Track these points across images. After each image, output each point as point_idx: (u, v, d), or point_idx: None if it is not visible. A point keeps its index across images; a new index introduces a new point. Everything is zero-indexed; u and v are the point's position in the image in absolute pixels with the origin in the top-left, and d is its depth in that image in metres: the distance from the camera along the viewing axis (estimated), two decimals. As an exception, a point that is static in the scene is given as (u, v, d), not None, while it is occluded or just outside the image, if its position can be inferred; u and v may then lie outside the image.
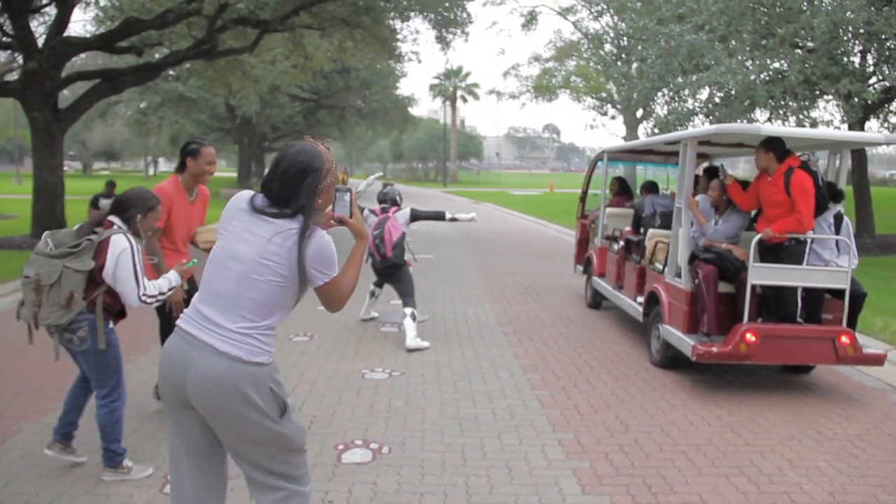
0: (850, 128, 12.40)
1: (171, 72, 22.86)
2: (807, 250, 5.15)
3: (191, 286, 4.31)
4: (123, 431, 3.51)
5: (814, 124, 12.51)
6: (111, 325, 3.43)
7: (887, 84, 12.61)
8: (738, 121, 12.20)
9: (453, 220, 6.89)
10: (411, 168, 73.23)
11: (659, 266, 6.10)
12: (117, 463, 3.45)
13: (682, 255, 5.48)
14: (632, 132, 28.61)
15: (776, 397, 5.10)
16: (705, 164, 7.69)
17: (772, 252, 5.15)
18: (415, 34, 35.04)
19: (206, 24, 13.39)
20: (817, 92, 12.38)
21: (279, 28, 14.61)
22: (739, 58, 12.27)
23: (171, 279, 3.50)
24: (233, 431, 2.17)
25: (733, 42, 13.08)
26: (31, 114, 12.30)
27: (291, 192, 2.18)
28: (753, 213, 5.72)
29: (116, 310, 3.44)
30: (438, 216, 6.85)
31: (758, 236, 5.09)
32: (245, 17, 13.65)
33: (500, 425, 4.35)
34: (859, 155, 14.17)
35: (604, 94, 31.18)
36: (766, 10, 12.47)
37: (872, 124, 14.78)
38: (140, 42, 14.10)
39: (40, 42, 13.30)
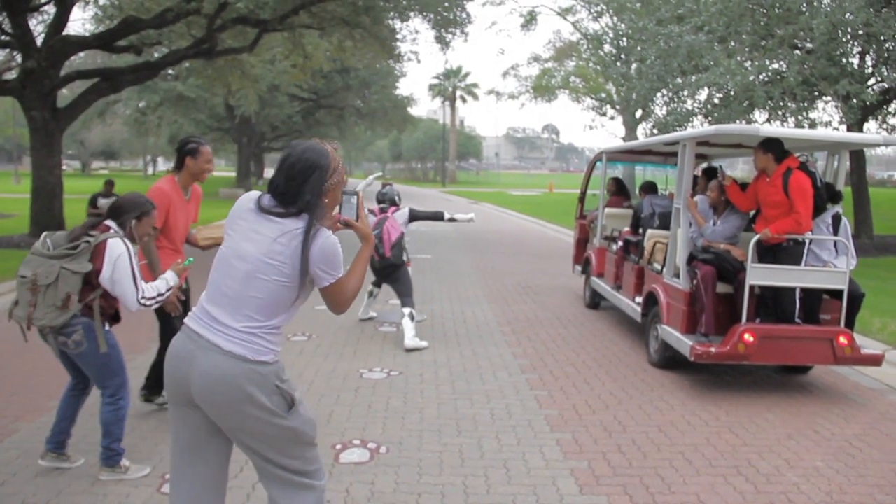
0: (849, 129, 12.42)
1: (170, 71, 22.87)
2: (805, 251, 5.15)
3: (186, 288, 4.30)
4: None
5: (812, 125, 12.53)
6: (107, 327, 3.42)
7: (886, 85, 12.64)
8: (737, 121, 12.21)
9: (452, 220, 6.90)
10: (410, 168, 73.24)
11: (657, 266, 6.10)
12: (115, 462, 3.44)
13: (681, 255, 5.49)
14: (631, 133, 28.65)
15: (774, 398, 5.10)
16: (704, 165, 7.69)
17: (770, 253, 5.15)
18: (414, 34, 34.98)
19: (205, 23, 13.38)
20: (816, 93, 12.40)
21: (278, 27, 14.61)
22: (738, 59, 12.29)
23: (168, 280, 3.49)
24: (240, 429, 2.18)
25: (732, 43, 13.10)
26: (29, 113, 12.29)
27: (297, 188, 2.17)
28: (752, 213, 5.72)
29: (111, 314, 3.41)
30: (437, 216, 6.85)
31: (756, 237, 5.09)
32: (244, 16, 13.65)
33: (497, 425, 4.35)
34: (858, 156, 14.19)
35: (603, 95, 31.22)
36: (765, 11, 12.49)
37: (871, 125, 14.81)
38: (139, 41, 14.09)
39: (39, 41, 13.28)
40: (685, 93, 14.28)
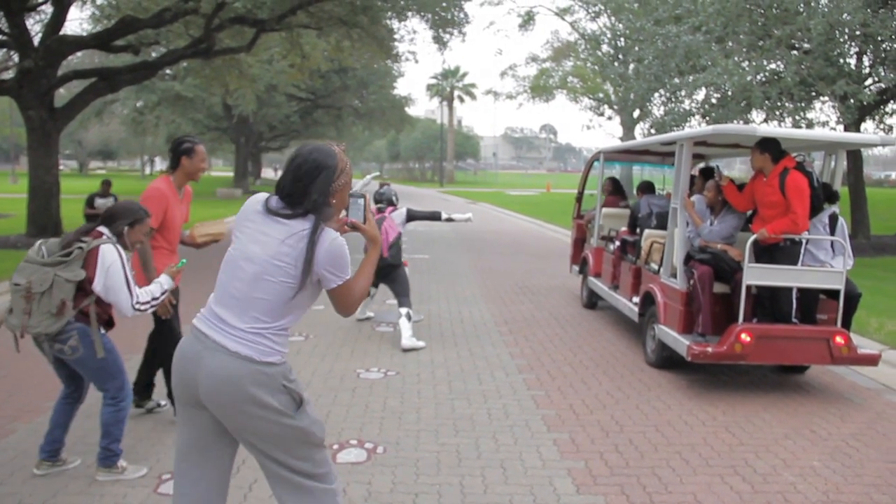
0: (846, 129, 12.45)
1: (167, 71, 22.83)
2: (802, 251, 5.16)
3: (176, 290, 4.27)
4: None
5: (810, 125, 12.56)
6: (102, 331, 3.40)
7: (883, 86, 12.65)
8: (735, 122, 12.23)
9: (449, 220, 6.90)
10: (408, 168, 73.23)
11: (654, 266, 6.10)
12: (112, 463, 3.44)
13: (678, 255, 5.49)
14: (628, 133, 28.68)
15: (771, 397, 5.11)
16: (701, 165, 7.70)
17: (767, 252, 5.15)
18: (412, 34, 35.22)
19: (203, 22, 13.37)
20: (813, 93, 12.42)
21: (276, 27, 14.61)
22: (736, 59, 12.32)
23: (162, 283, 3.48)
24: (247, 430, 2.17)
25: (730, 43, 13.12)
26: (26, 112, 12.28)
27: (303, 189, 2.17)
28: (749, 213, 5.73)
29: (104, 319, 3.39)
30: (435, 216, 6.85)
31: (753, 237, 5.10)
32: (242, 16, 13.65)
33: (495, 425, 4.35)
34: (855, 156, 14.22)
35: (601, 95, 31.24)
36: (762, 11, 12.51)
37: (868, 126, 14.84)
38: (137, 41, 14.09)
39: (36, 40, 13.26)
40: (683, 93, 14.30)
